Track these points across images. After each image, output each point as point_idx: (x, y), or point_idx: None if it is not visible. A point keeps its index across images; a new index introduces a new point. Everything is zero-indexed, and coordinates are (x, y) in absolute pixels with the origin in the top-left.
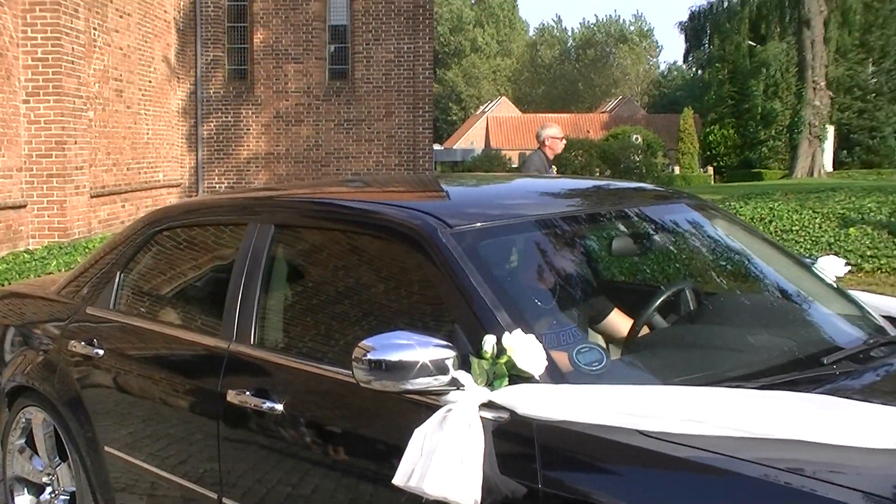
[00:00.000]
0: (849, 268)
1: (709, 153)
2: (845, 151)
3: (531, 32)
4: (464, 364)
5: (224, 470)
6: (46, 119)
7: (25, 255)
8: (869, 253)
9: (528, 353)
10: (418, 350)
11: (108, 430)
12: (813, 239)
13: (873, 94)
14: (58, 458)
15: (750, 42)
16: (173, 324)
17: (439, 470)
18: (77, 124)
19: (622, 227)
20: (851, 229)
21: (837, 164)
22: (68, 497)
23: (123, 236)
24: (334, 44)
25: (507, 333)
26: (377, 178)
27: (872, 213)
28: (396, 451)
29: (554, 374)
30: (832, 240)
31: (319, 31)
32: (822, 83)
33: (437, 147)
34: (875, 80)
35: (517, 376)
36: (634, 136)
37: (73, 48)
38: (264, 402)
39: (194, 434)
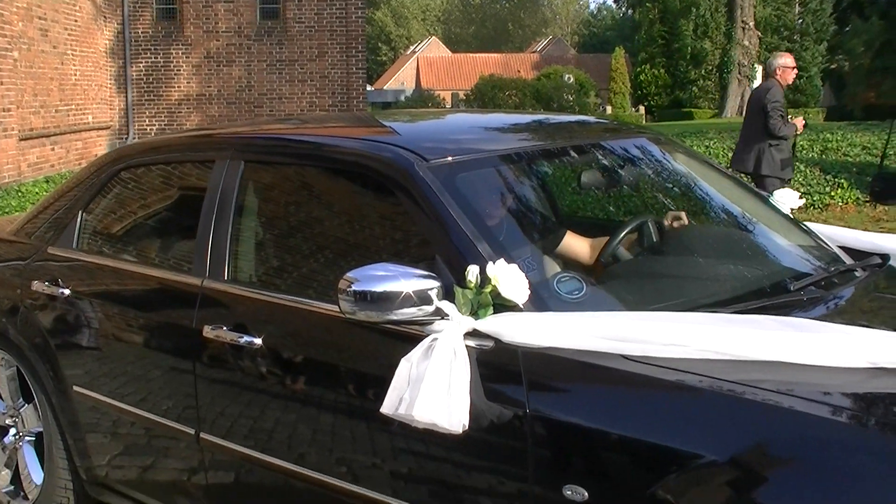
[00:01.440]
0: (803, 200)
1: (640, 93)
2: None
3: None
4: (446, 295)
5: (201, 405)
6: None
7: None
8: (802, 190)
9: (512, 282)
10: (402, 281)
11: (77, 369)
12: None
13: (799, 35)
14: (22, 399)
15: None
16: (141, 262)
17: (427, 398)
18: (2, 65)
19: (590, 161)
20: None
21: None
22: (34, 438)
23: (84, 175)
24: None
25: (490, 263)
26: (325, 116)
27: (804, 151)
28: (378, 382)
29: (536, 303)
30: None
31: None
32: (751, 23)
33: (367, 88)
34: (801, 20)
35: (501, 305)
36: (566, 76)
37: None
38: (242, 337)
39: (169, 370)
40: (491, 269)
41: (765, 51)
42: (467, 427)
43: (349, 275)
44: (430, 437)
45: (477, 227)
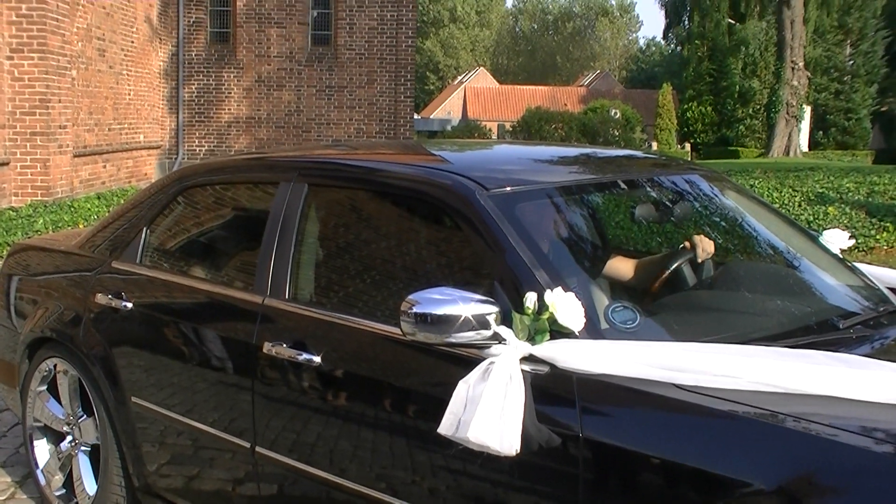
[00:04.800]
0: (853, 241)
1: (686, 129)
2: (821, 132)
3: (509, 3)
4: (504, 320)
5: (258, 419)
6: (30, 76)
7: (11, 213)
8: (847, 232)
9: (569, 309)
10: (461, 305)
11: (136, 381)
12: (793, 217)
13: (850, 76)
14: (81, 408)
15: (729, 20)
16: (203, 279)
17: (481, 420)
18: (61, 83)
19: (645, 195)
20: (830, 208)
21: (813, 144)
22: (89, 449)
23: (149, 193)
24: (317, 9)
25: (548, 291)
26: (375, 142)
27: (850, 193)
28: (434, 403)
29: (591, 330)
30: (811, 218)
31: None
32: (801, 63)
33: (415, 116)
34: (852, 61)
35: (557, 332)
36: (613, 111)
37: (57, 5)
38: (301, 354)
39: (227, 384)
40: (549, 296)
41: (813, 91)
42: (520, 450)
43: (411, 297)
44: (487, 460)
45: (535, 255)
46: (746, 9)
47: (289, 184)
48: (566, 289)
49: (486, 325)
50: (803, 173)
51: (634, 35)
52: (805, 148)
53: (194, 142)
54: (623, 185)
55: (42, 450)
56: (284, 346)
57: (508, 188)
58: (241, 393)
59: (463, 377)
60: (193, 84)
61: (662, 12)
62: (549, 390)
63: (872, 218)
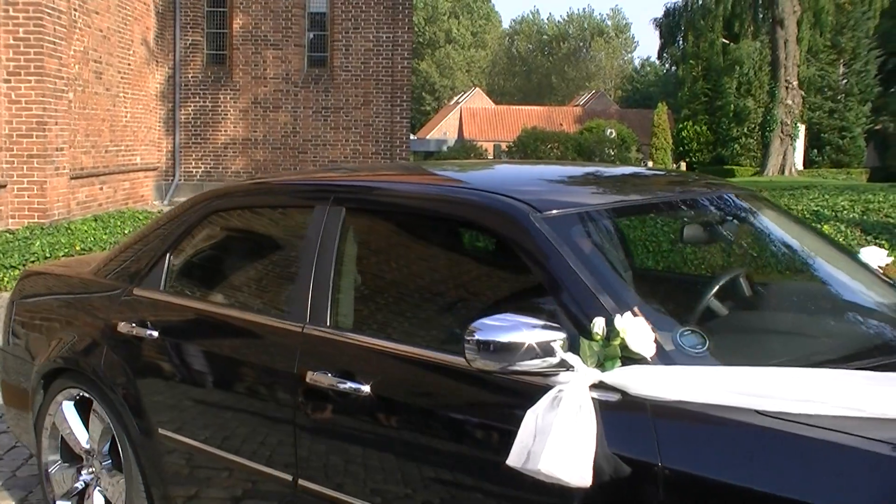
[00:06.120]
0: (891, 258)
1: (681, 149)
2: (815, 150)
3: (505, 24)
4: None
5: (301, 450)
6: (28, 99)
7: (7, 235)
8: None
9: (640, 335)
10: (525, 332)
11: (164, 412)
12: None
13: (843, 95)
14: (108, 448)
15: (724, 40)
16: (233, 305)
17: (552, 451)
18: (58, 105)
19: (690, 215)
20: (826, 226)
21: (808, 162)
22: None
23: (171, 216)
24: (313, 31)
25: (618, 316)
26: (380, 165)
27: (845, 211)
28: (496, 434)
29: (662, 356)
30: None
31: (299, 18)
32: (795, 82)
33: (411, 137)
34: (846, 80)
35: (627, 358)
36: (609, 131)
37: (54, 28)
38: (347, 383)
39: (266, 415)
40: (619, 321)
41: (808, 110)
42: (594, 481)
43: (474, 324)
44: (556, 490)
45: (597, 279)
46: (740, 29)
47: (325, 208)
48: (634, 313)
49: (550, 353)
50: (798, 192)
51: (629, 55)
52: (800, 166)
53: (191, 163)
54: (671, 206)
55: (58, 481)
56: (329, 374)
57: (559, 210)
58: (281, 424)
59: (526, 406)
60: (190, 106)
61: (657, 33)
62: (622, 418)
63: (867, 236)
